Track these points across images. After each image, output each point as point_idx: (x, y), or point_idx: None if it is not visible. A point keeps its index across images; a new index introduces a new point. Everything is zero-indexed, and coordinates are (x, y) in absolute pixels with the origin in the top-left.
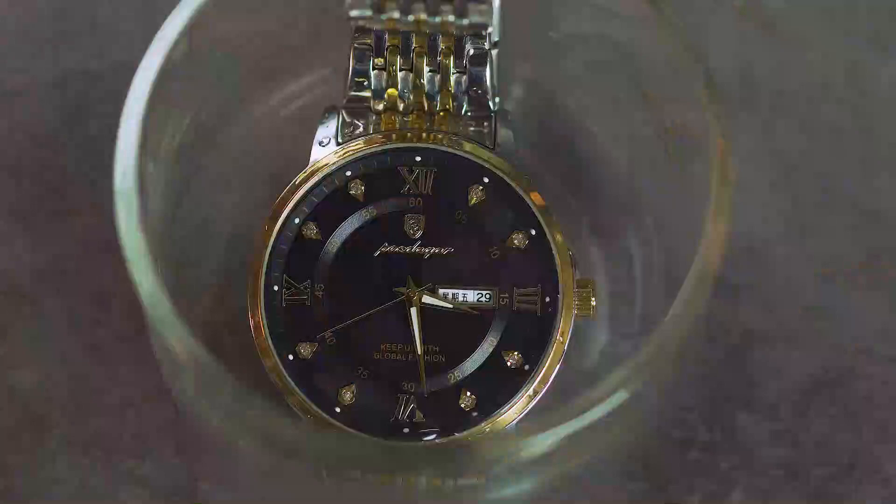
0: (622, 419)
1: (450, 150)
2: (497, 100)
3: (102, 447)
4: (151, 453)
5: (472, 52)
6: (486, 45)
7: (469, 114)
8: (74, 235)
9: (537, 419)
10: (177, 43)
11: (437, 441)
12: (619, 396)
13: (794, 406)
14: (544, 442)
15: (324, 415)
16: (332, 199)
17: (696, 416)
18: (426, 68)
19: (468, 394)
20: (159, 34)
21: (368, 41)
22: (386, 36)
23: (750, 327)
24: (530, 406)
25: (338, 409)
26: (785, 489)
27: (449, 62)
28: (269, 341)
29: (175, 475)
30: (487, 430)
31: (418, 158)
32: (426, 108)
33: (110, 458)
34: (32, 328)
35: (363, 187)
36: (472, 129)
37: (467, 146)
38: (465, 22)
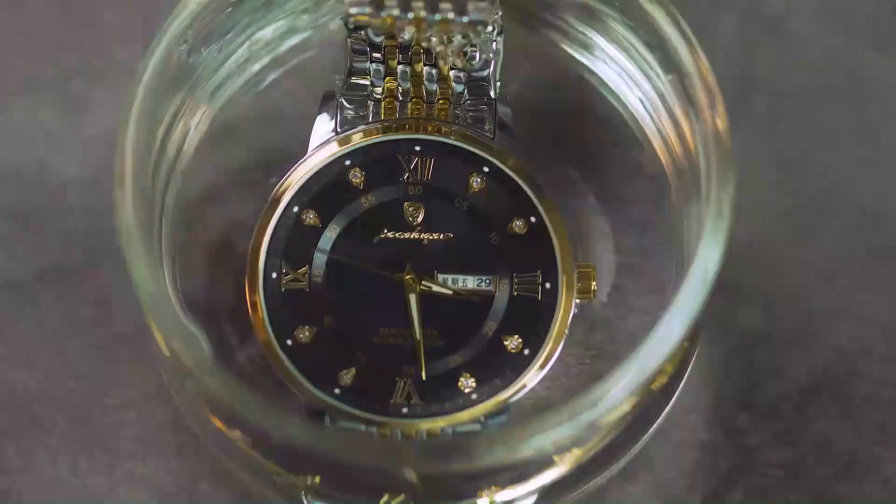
0: (622, 418)
1: (449, 139)
2: (499, 84)
3: (102, 447)
4: (151, 453)
5: (471, 49)
6: (487, 39)
7: (468, 101)
8: (74, 235)
9: (537, 419)
10: (178, 41)
11: (434, 422)
12: (619, 396)
13: (794, 406)
14: (544, 441)
15: (323, 396)
16: (331, 187)
17: (696, 416)
18: (424, 67)
19: (468, 377)
20: (160, 33)
21: (364, 39)
22: (383, 39)
23: (750, 327)
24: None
25: (337, 391)
26: (785, 489)
27: (448, 61)
28: (268, 326)
29: (175, 475)
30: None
31: (417, 148)
32: (425, 96)
33: (110, 458)
34: (32, 328)
35: (362, 175)
36: (471, 114)
37: (467, 136)
38: (465, 19)
